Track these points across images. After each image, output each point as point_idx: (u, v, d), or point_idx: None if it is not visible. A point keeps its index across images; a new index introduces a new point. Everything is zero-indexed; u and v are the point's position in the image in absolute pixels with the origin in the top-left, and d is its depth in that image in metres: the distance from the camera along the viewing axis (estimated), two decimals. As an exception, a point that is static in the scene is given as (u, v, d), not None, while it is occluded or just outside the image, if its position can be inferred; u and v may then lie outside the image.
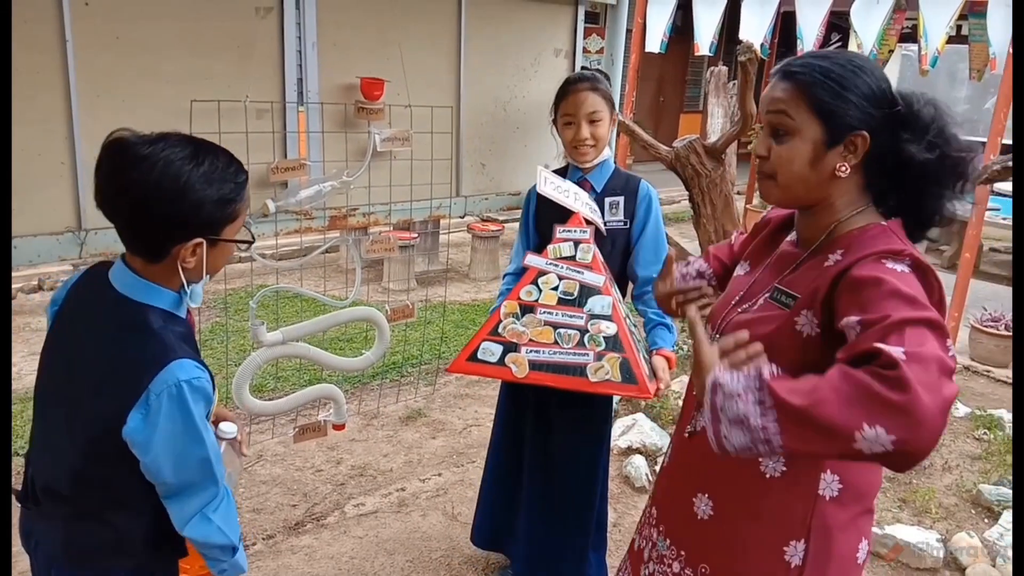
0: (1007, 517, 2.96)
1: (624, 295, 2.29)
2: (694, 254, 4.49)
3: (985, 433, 3.66)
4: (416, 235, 5.94)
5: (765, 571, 1.31)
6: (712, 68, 6.08)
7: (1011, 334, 4.67)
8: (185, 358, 1.28)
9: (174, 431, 1.27)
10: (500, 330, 2.08)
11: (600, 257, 2.12)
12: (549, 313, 2.07)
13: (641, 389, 1.97)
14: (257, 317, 2.40)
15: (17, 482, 1.61)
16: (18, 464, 3.08)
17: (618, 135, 4.87)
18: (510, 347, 2.06)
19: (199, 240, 1.29)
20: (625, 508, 3.13)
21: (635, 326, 2.17)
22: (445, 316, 4.86)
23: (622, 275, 2.29)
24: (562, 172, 2.29)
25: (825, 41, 4.84)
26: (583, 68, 2.45)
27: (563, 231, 2.13)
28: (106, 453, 1.29)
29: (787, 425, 1.00)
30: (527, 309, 2.08)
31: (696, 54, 5.48)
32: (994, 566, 2.77)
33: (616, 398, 3.37)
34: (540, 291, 2.09)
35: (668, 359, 2.14)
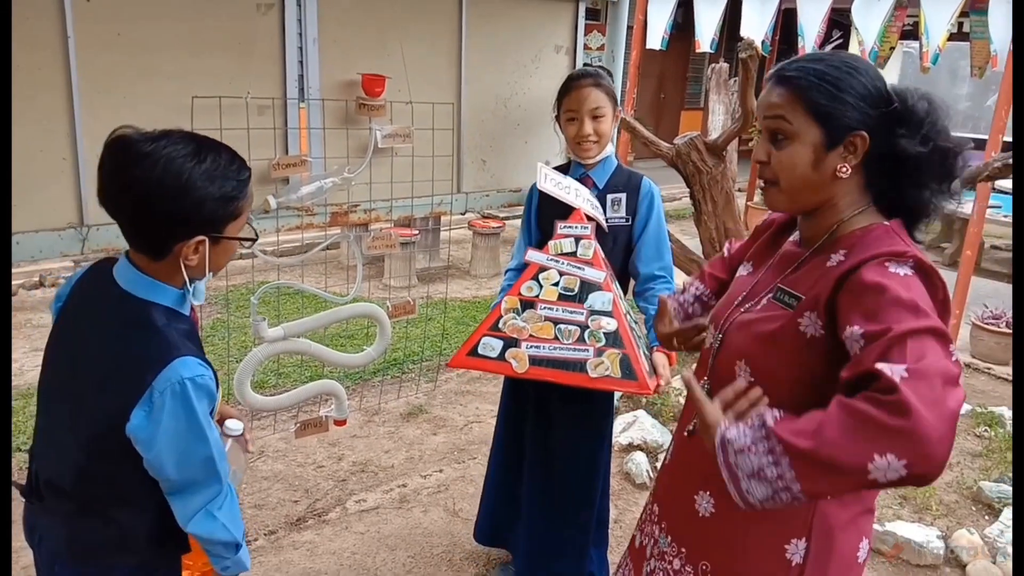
0: (1007, 514, 2.96)
1: (625, 292, 2.29)
2: (695, 252, 4.51)
3: (986, 430, 3.67)
4: (417, 232, 5.94)
5: (766, 569, 1.31)
6: (713, 65, 6.06)
7: (1012, 331, 4.67)
8: (189, 356, 1.28)
9: (177, 428, 1.27)
10: (501, 325, 2.08)
11: (601, 253, 2.12)
12: (550, 309, 2.07)
13: (641, 385, 1.97)
14: (259, 313, 2.40)
15: (21, 477, 1.62)
16: (20, 459, 3.09)
17: (619, 132, 4.87)
18: (510, 342, 2.06)
19: (201, 237, 1.29)
20: (626, 505, 3.13)
21: (636, 322, 2.17)
22: (446, 313, 4.87)
23: (624, 272, 2.29)
24: (564, 168, 2.29)
25: (826, 38, 4.83)
26: (586, 64, 2.45)
27: (564, 227, 2.13)
28: (110, 449, 1.30)
29: (801, 470, 1.01)
30: (528, 305, 2.08)
31: (697, 51, 5.46)
32: (994, 563, 2.77)
33: (617, 395, 3.37)
34: (541, 287, 2.09)
35: (668, 356, 2.14)
